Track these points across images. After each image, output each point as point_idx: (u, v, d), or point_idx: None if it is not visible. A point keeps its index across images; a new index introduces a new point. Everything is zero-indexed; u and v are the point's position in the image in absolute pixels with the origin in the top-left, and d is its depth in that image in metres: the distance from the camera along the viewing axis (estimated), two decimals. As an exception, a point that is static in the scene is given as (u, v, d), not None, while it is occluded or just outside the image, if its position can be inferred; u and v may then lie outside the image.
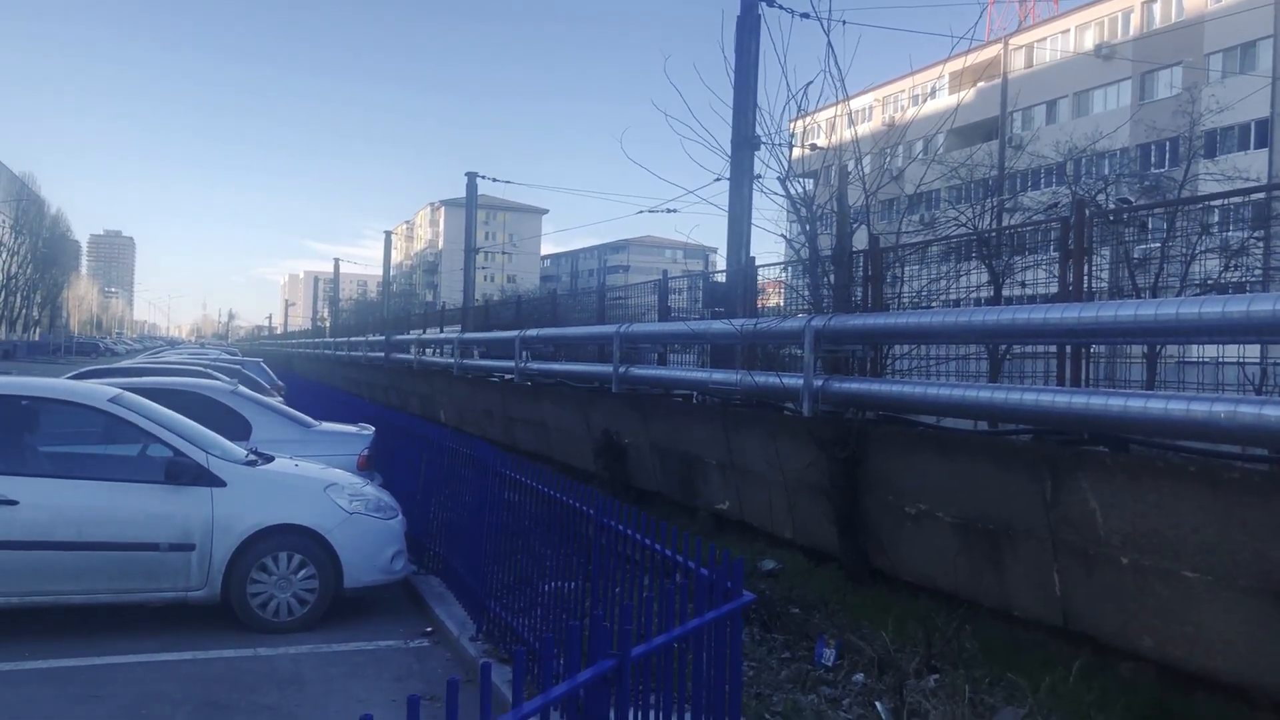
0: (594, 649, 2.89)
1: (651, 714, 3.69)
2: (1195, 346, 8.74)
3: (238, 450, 8.69)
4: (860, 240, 10.40)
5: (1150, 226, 10.70)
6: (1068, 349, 7.98)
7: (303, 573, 8.09)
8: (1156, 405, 6.14)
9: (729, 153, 13.07)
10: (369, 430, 12.17)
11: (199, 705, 6.46)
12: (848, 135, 10.25)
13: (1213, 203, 9.70)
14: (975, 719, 5.85)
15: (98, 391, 8.61)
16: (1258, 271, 9.82)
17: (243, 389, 12.61)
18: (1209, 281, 10.19)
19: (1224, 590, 5.95)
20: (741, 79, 13.11)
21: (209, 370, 17.33)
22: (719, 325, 12.03)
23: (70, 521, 7.62)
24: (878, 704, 6.17)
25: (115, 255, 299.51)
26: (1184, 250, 10.06)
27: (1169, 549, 6.23)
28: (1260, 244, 9.82)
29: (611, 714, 3.44)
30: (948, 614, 7.48)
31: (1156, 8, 51.64)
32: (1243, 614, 5.88)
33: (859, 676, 6.73)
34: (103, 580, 7.71)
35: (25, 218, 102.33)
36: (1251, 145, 44.84)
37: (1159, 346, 9.36)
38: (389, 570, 8.54)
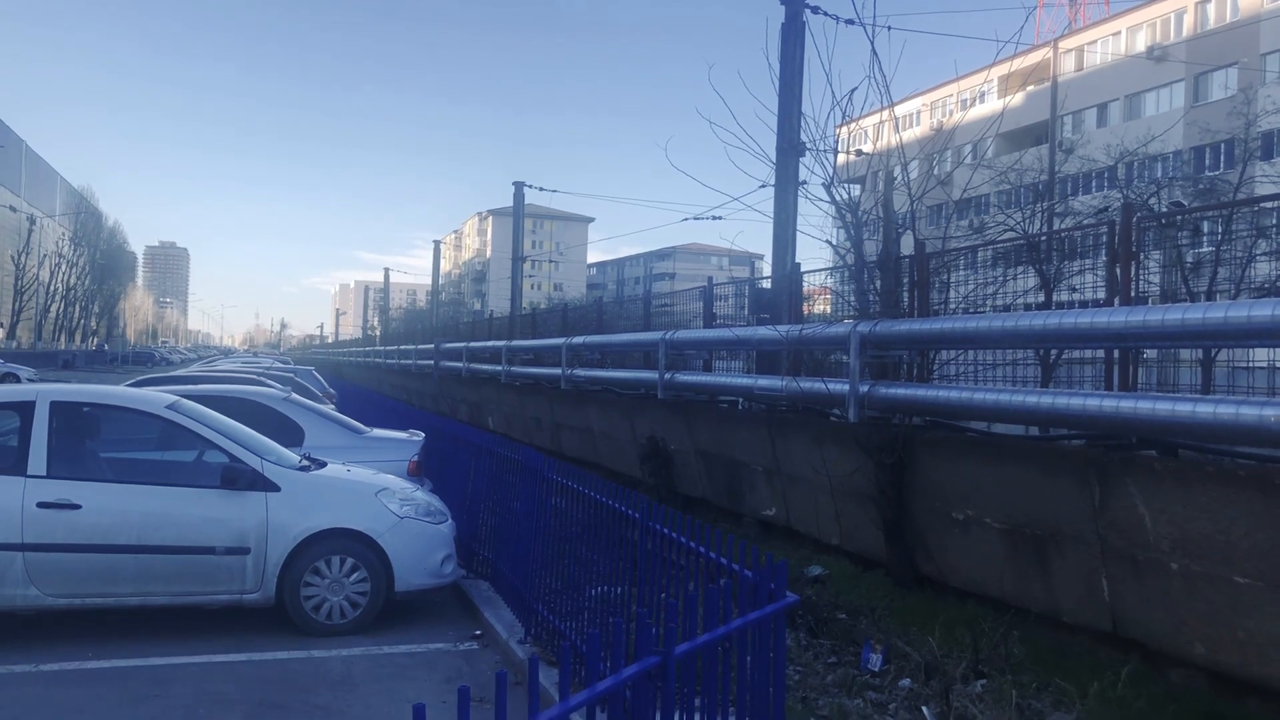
0: (639, 647, 2.95)
1: (696, 716, 3.74)
2: (1253, 351, 8.64)
3: (291, 456, 8.85)
4: (906, 245, 10.38)
5: (1205, 230, 10.56)
6: (1115, 354, 7.92)
7: (355, 576, 8.22)
8: (1205, 409, 6.09)
9: (774, 159, 13.10)
10: (419, 436, 12.32)
11: (255, 705, 6.60)
12: (893, 141, 10.24)
13: (1267, 204, 9.55)
14: (1022, 724, 5.83)
15: (156, 398, 8.81)
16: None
17: (295, 396, 12.83)
18: (1266, 286, 10.03)
19: (1276, 596, 5.89)
20: (786, 86, 13.14)
21: (262, 378, 17.62)
22: (764, 331, 12.06)
23: (130, 525, 7.81)
24: (924, 709, 6.17)
25: (170, 266, 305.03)
26: (1240, 254, 9.91)
27: (1219, 554, 6.17)
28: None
29: (657, 716, 3.50)
30: (995, 620, 7.46)
31: (1210, 8, 50.80)
32: (1295, 620, 5.81)
33: (905, 681, 6.73)
34: (161, 583, 7.89)
35: (84, 230, 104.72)
36: (1310, 147, 43.96)
37: (1214, 351, 9.25)
38: (439, 574, 8.65)
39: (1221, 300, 9.42)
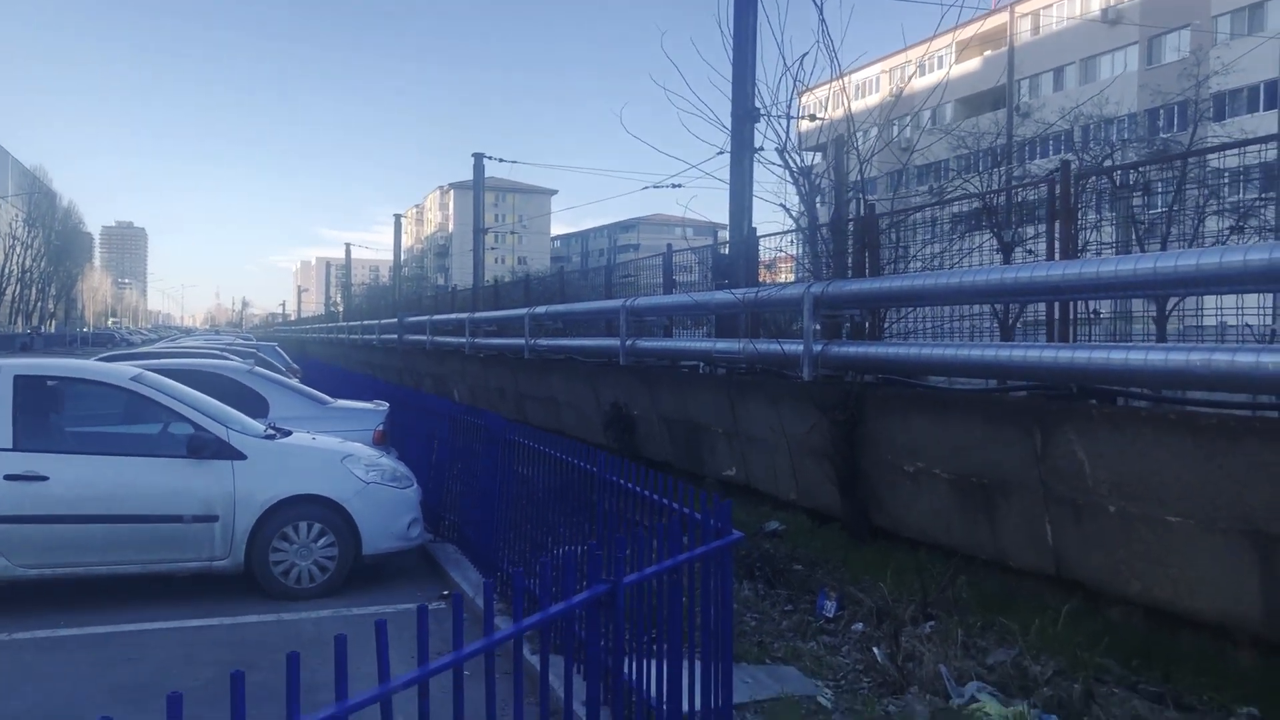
0: (590, 577, 3.14)
1: (649, 662, 3.95)
2: (1208, 308, 8.96)
3: (256, 425, 8.96)
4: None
5: (1160, 189, 10.83)
6: (1056, 307, 8.19)
7: (322, 541, 8.37)
8: (1136, 356, 6.36)
9: (729, 126, 13.26)
10: (384, 406, 12.45)
11: (227, 666, 6.74)
12: (844, 107, 10.43)
13: (1209, 156, 9.81)
14: (968, 660, 6.11)
15: (121, 371, 8.90)
16: (1268, 232, 9.98)
17: (259, 369, 12.90)
18: (1216, 240, 10.32)
19: (1205, 533, 6.19)
20: (740, 52, 13.27)
21: (226, 353, 17.64)
22: (721, 295, 12.27)
23: (98, 496, 7.91)
24: (875, 650, 6.43)
25: (128, 246, 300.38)
26: (1190, 209, 10.20)
27: (1153, 495, 6.47)
28: (1264, 205, 9.96)
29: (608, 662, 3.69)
30: (944, 566, 7.74)
31: (1163, -30, 51.25)
32: (1223, 555, 6.12)
33: (858, 625, 7.00)
34: (131, 551, 8.01)
35: (38, 211, 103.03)
36: (1261, 107, 44.60)
37: (1168, 306, 9.56)
38: (406, 537, 8.82)
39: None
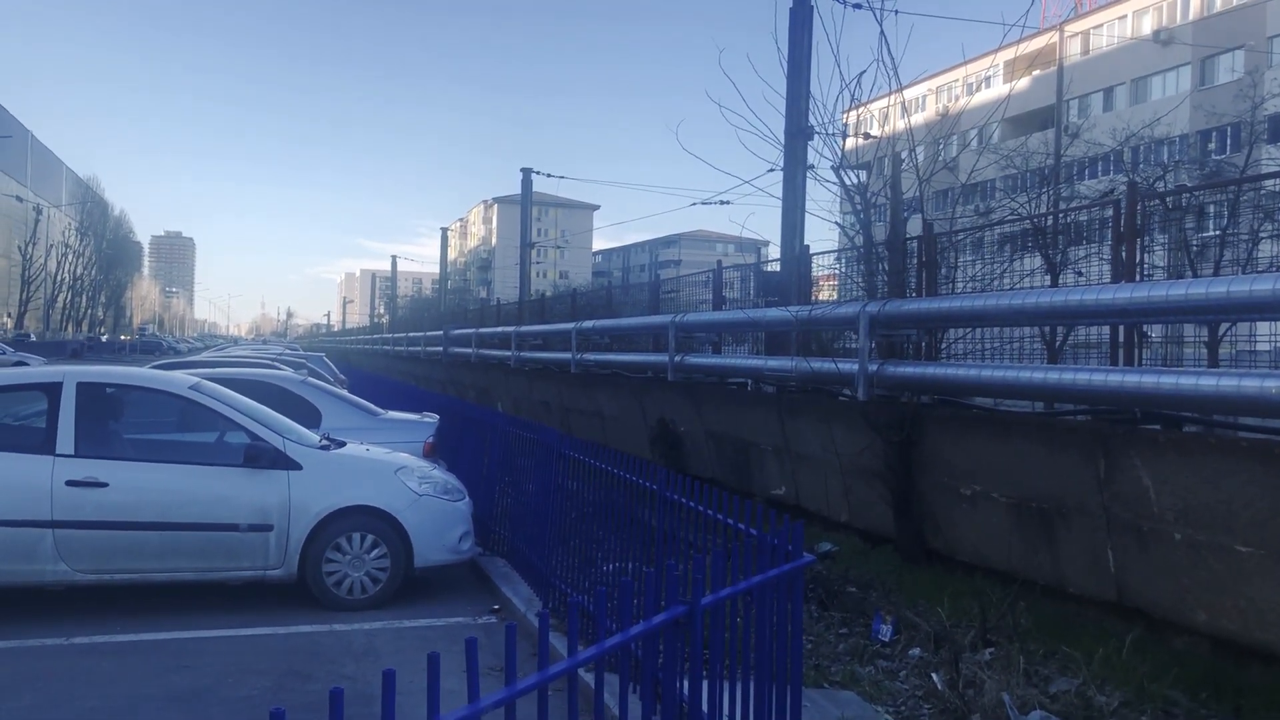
0: (668, 595, 3.10)
1: (717, 682, 3.89)
2: (1257, 333, 8.79)
3: (312, 435, 9.02)
4: (914, 227, 10.52)
5: (1211, 213, 10.67)
6: (1120, 331, 8.06)
7: (375, 552, 8.39)
8: (1208, 382, 6.24)
9: (783, 142, 13.23)
10: (433, 418, 12.49)
11: (282, 675, 6.78)
12: (901, 124, 10.36)
13: (1269, 182, 9.65)
14: (1030, 689, 5.99)
15: (179, 379, 8.99)
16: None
17: (312, 379, 13.00)
18: (1272, 265, 10.13)
19: (1277, 564, 6.04)
20: (794, 69, 13.25)
21: (276, 363, 17.80)
22: (774, 312, 12.21)
23: (156, 503, 7.99)
24: (934, 675, 6.34)
25: (176, 255, 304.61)
26: (1245, 235, 10.02)
27: (1221, 524, 6.33)
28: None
29: (682, 676, 3.64)
30: (1002, 591, 7.61)
31: (1217, -9, 50.68)
32: (1296, 587, 5.97)
33: (915, 650, 6.90)
34: (187, 559, 8.08)
35: (90, 220, 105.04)
36: (1317, 130, 43.82)
37: (1220, 333, 9.37)
38: (457, 550, 8.83)
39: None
